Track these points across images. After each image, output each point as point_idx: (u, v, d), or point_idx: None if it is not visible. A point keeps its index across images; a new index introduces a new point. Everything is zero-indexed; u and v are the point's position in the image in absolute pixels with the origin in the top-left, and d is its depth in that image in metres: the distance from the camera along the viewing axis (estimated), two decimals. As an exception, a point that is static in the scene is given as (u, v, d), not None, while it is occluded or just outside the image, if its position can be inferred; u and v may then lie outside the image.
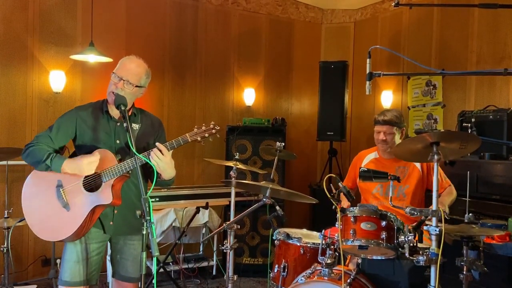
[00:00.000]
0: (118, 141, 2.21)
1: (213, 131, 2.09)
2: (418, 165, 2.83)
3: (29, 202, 2.19)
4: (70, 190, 2.12)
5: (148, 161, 2.03)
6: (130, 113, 2.25)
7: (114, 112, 2.22)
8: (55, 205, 2.13)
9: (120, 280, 2.28)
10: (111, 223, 2.21)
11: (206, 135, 2.08)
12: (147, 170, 2.15)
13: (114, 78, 2.15)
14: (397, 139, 2.84)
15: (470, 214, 2.40)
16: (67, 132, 2.20)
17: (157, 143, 2.06)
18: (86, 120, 2.21)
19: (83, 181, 2.12)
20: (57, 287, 2.18)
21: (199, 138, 2.08)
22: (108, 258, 3.68)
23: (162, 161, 2.04)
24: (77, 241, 2.16)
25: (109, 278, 3.80)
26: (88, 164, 2.06)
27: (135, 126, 2.24)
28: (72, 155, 2.27)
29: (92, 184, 2.12)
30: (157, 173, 2.04)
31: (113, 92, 2.13)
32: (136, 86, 2.18)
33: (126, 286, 2.28)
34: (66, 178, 2.12)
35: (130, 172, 2.10)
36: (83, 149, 2.18)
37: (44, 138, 2.17)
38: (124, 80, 2.14)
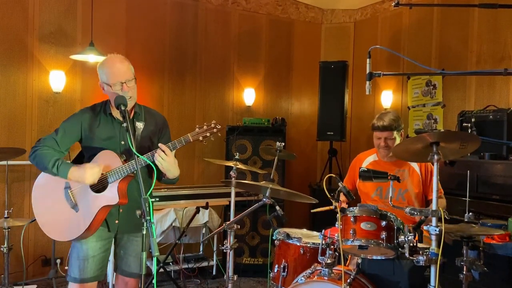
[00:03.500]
0: (122, 142, 2.23)
1: (215, 130, 2.09)
2: (417, 168, 2.82)
3: (39, 203, 2.24)
4: (78, 191, 2.16)
5: (150, 163, 2.04)
6: (133, 113, 2.26)
7: (118, 114, 2.23)
8: (64, 206, 2.17)
9: (122, 275, 2.32)
10: (117, 221, 2.25)
11: (208, 134, 2.09)
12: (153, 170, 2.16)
13: (116, 86, 2.14)
14: (398, 142, 2.83)
15: (470, 214, 2.40)
16: (72, 135, 2.23)
17: (159, 144, 2.07)
18: (90, 122, 2.22)
19: None
20: (59, 286, 2.19)
21: (201, 138, 2.09)
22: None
23: (166, 161, 2.06)
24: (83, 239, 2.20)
25: (109, 278, 3.80)
26: (91, 175, 2.08)
27: (139, 125, 2.25)
28: (79, 155, 2.31)
29: (99, 185, 2.15)
30: (161, 172, 2.09)
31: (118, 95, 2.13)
32: (133, 79, 2.20)
33: (128, 281, 2.32)
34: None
35: (135, 172, 2.11)
36: (89, 151, 2.22)
37: (49, 141, 2.20)
38: (124, 82, 2.15)
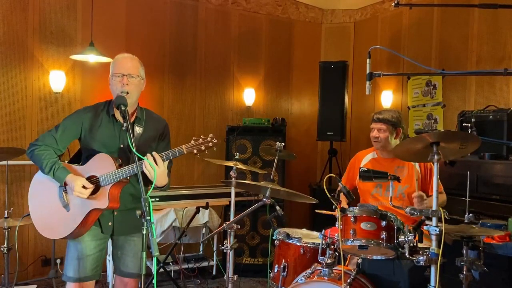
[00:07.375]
0: (122, 146, 2.22)
1: (210, 144, 2.10)
2: (416, 165, 2.83)
3: (34, 199, 2.25)
4: (71, 191, 2.15)
5: (150, 163, 2.02)
6: (134, 116, 2.25)
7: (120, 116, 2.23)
8: (56, 204, 2.18)
9: (120, 275, 2.32)
10: (110, 223, 2.24)
11: (203, 147, 2.09)
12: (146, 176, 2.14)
13: (117, 78, 2.16)
14: (392, 139, 2.84)
15: (470, 215, 2.40)
16: (72, 134, 2.23)
17: (153, 153, 2.07)
18: (91, 122, 2.22)
19: None
20: (59, 286, 2.20)
21: (195, 151, 2.09)
22: (108, 258, 3.70)
23: (155, 169, 2.04)
24: (79, 238, 2.20)
25: (109, 278, 3.80)
26: (79, 191, 2.08)
27: (138, 130, 2.23)
28: (77, 154, 2.30)
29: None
30: (149, 179, 2.05)
31: (121, 92, 2.13)
32: (139, 77, 2.20)
33: (127, 282, 2.31)
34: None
35: (128, 178, 2.11)
36: (87, 151, 2.22)
37: (49, 139, 2.20)
38: (126, 75, 2.15)
